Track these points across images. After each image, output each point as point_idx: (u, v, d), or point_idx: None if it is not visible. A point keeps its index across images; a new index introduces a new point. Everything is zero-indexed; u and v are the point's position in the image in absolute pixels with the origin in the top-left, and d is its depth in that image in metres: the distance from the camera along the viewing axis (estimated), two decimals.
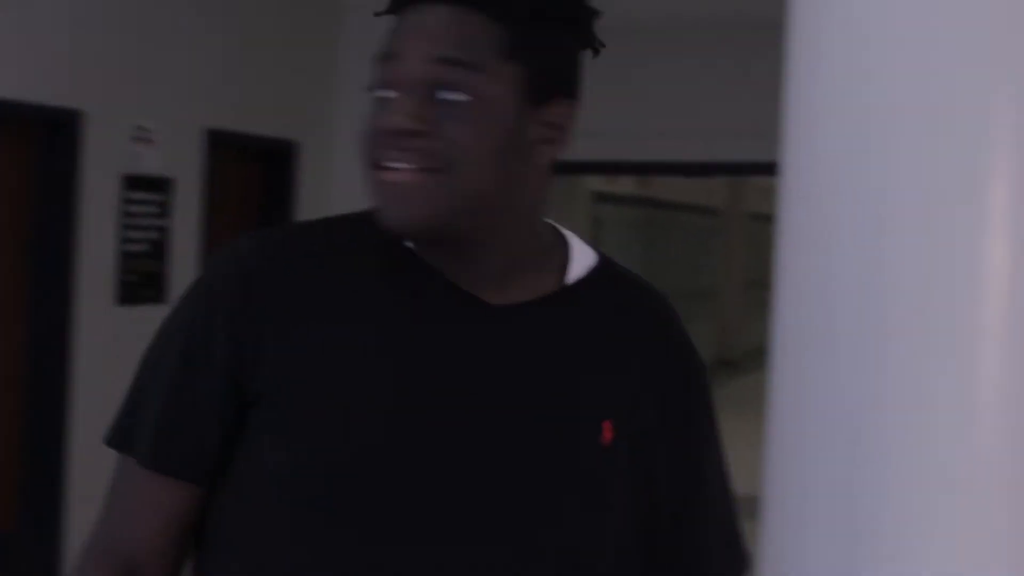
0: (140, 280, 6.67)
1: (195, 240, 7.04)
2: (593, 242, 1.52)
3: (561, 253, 1.46)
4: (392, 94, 1.35)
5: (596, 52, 1.43)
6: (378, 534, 1.34)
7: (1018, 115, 2.16)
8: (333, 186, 8.17)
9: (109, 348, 6.37)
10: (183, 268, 6.94)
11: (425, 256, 1.40)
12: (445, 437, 1.36)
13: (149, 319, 7.01)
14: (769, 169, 9.32)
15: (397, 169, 1.34)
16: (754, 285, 16.74)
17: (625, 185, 14.28)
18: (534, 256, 1.42)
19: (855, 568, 2.20)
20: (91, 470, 6.10)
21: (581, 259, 1.46)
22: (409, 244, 1.42)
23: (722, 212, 18.02)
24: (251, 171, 7.74)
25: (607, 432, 1.39)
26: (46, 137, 6.13)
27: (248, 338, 1.37)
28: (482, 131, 1.33)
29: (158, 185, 6.76)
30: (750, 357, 16.15)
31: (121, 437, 1.44)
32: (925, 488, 2.20)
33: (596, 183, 13.05)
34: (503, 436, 1.37)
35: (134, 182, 6.59)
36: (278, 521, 1.37)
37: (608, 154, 7.85)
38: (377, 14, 1.46)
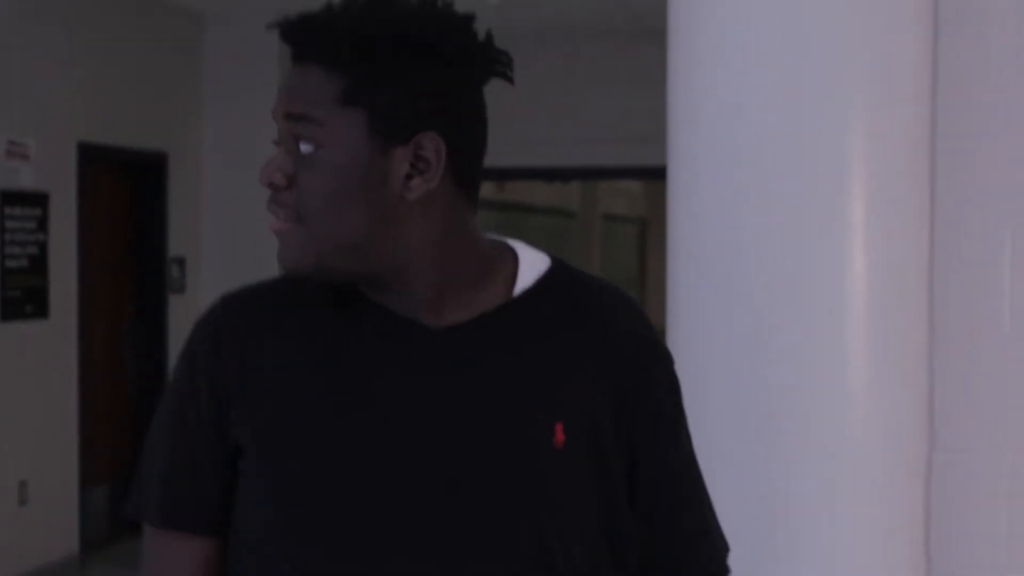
0: (23, 295, 6.68)
1: (73, 253, 7.06)
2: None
3: (509, 267, 1.49)
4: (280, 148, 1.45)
5: (510, 80, 1.47)
6: (341, 557, 1.40)
7: (870, 130, 2.44)
8: (202, 195, 8.25)
9: None
10: (63, 282, 6.96)
11: (368, 293, 1.46)
12: (391, 464, 1.41)
13: (34, 334, 6.99)
14: (628, 173, 9.46)
15: (277, 219, 1.43)
16: None
17: (484, 190, 14.48)
18: (471, 276, 1.46)
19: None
20: None
21: (531, 269, 1.49)
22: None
23: (577, 214, 18.35)
24: (123, 183, 7.79)
25: (559, 435, 1.42)
26: None
27: (223, 392, 1.46)
28: (329, 178, 1.39)
29: (34, 200, 6.79)
30: None
31: (137, 505, 1.52)
32: (813, 491, 2.36)
33: None
34: (448, 455, 1.41)
35: (10, 197, 6.61)
36: (267, 563, 1.44)
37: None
38: None
